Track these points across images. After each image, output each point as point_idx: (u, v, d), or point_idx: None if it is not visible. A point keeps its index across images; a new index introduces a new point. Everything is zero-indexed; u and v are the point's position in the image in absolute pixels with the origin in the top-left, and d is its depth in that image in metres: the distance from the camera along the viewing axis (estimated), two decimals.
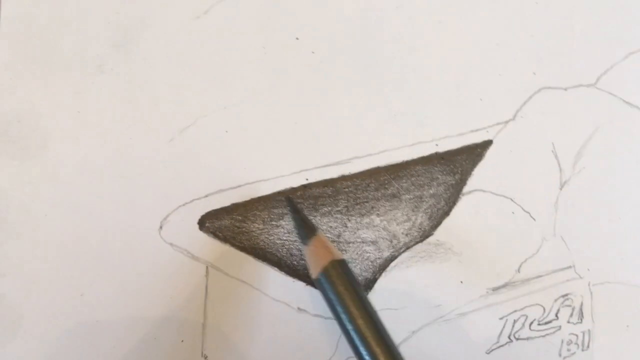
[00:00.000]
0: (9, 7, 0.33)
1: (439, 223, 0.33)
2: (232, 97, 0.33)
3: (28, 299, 0.32)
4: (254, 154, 0.33)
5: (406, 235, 0.33)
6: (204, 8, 0.33)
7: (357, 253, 0.33)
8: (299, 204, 0.33)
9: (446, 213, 0.33)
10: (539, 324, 0.33)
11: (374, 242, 0.33)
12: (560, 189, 0.33)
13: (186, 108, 0.33)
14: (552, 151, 0.33)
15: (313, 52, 0.33)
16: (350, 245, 0.33)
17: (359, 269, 0.33)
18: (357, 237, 0.33)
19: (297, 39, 0.33)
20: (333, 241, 0.33)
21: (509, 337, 0.33)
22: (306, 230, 0.31)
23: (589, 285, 0.34)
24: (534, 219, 0.33)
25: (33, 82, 0.33)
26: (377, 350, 0.27)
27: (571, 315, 0.34)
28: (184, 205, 0.33)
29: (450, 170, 0.33)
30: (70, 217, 0.32)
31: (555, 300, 0.33)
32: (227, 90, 0.33)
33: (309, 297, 0.33)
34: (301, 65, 0.33)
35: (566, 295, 0.34)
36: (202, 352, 0.33)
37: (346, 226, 0.33)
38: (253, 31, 0.33)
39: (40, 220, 0.32)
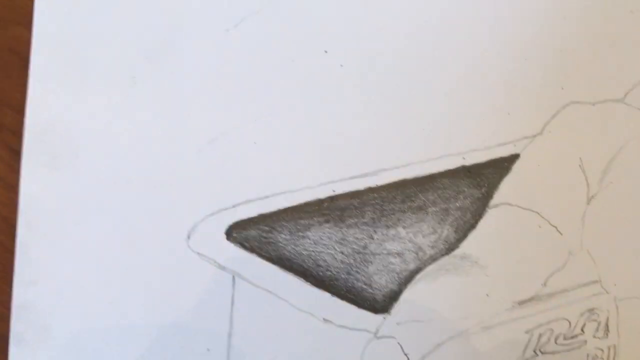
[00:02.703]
0: (42, 19, 0.34)
1: (465, 236, 0.33)
2: (261, 109, 0.33)
3: (58, 307, 0.33)
4: (281, 165, 0.33)
5: (432, 247, 0.33)
6: (234, 21, 0.34)
7: (382, 265, 0.33)
8: (326, 214, 0.33)
9: (472, 226, 0.33)
10: (564, 339, 0.33)
11: (399, 254, 0.33)
12: (588, 203, 0.33)
13: (215, 119, 0.33)
14: (580, 166, 0.33)
15: (341, 66, 0.34)
16: (376, 256, 0.33)
17: (384, 281, 0.33)
18: (383, 248, 0.33)
19: (325, 52, 0.34)
20: (359, 252, 0.33)
21: (534, 351, 0.33)
22: None
23: (615, 300, 0.34)
24: (561, 233, 0.33)
25: (66, 92, 0.33)
26: None
27: (597, 329, 0.34)
28: (211, 215, 0.33)
29: (477, 183, 0.33)
30: (100, 225, 0.33)
31: (581, 315, 0.33)
32: (255, 102, 0.33)
33: (335, 308, 0.33)
34: (329, 78, 0.34)
35: (592, 309, 0.33)
36: None
37: (372, 238, 0.33)
38: (282, 44, 0.34)
39: (71, 229, 0.33)
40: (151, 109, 0.33)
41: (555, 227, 0.33)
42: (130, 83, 0.33)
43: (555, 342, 0.33)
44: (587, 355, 0.34)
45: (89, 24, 0.34)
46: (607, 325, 0.34)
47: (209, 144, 0.33)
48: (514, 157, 0.33)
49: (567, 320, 0.33)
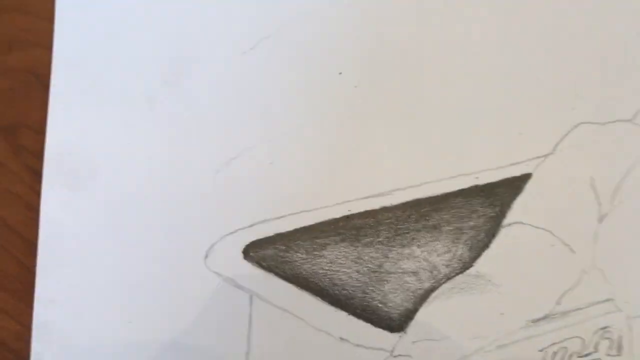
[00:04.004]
0: (62, 43, 0.34)
1: (479, 255, 0.34)
2: (277, 130, 0.34)
3: (77, 326, 0.33)
4: (297, 185, 0.34)
5: (446, 266, 0.34)
6: (250, 44, 0.34)
7: (398, 283, 0.34)
8: (342, 234, 0.34)
9: (486, 245, 0.34)
10: (578, 357, 0.34)
11: (414, 273, 0.34)
12: (599, 222, 0.34)
13: (232, 140, 0.34)
14: (591, 185, 0.34)
15: (356, 87, 0.34)
16: (392, 275, 0.34)
17: (400, 299, 0.34)
18: (398, 267, 0.34)
19: (340, 73, 0.34)
20: (374, 271, 0.34)
21: None
22: None
23: (628, 318, 0.34)
24: (574, 252, 0.34)
25: (85, 115, 0.34)
26: None
27: (610, 347, 0.34)
28: (229, 234, 0.33)
29: (490, 202, 0.34)
30: (118, 246, 0.33)
31: (595, 333, 0.34)
32: (271, 123, 0.34)
33: (351, 327, 0.33)
34: (344, 99, 0.34)
35: (605, 328, 0.34)
36: None
37: (387, 257, 0.34)
38: (297, 66, 0.34)
39: (90, 249, 0.33)
40: (169, 130, 0.34)
41: (568, 246, 0.34)
42: (148, 105, 0.34)
43: None
44: None
45: (107, 47, 0.34)
46: (620, 343, 0.34)
47: (226, 165, 0.34)
48: (526, 177, 0.34)
49: (581, 338, 0.34)
